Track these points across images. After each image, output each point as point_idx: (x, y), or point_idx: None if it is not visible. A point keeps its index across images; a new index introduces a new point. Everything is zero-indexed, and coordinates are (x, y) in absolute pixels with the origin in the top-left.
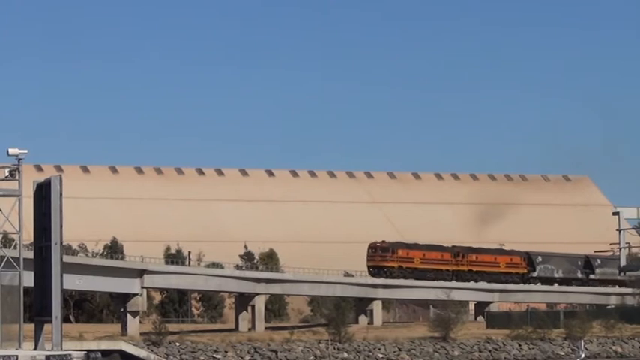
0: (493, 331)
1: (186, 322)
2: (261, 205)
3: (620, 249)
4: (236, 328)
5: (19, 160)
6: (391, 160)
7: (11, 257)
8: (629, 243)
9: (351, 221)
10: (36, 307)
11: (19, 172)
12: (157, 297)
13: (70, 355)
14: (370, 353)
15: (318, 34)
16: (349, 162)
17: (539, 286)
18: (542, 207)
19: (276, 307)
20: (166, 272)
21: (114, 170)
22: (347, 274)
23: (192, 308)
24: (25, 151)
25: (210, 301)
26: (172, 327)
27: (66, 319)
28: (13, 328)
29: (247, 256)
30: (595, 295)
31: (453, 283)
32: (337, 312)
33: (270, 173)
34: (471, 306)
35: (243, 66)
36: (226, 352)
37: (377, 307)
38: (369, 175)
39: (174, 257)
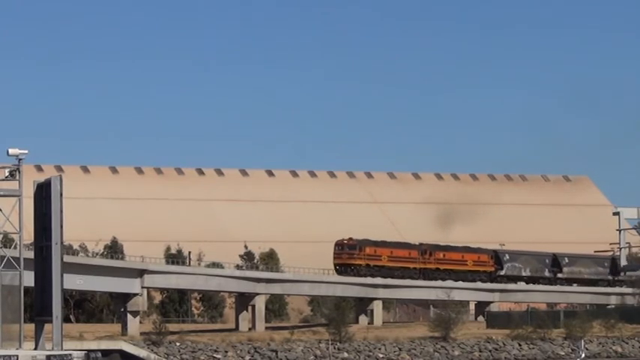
0: (493, 331)
1: (186, 322)
2: (261, 205)
3: (620, 249)
4: (236, 328)
5: (20, 160)
6: (391, 160)
7: (11, 257)
8: (629, 243)
9: (351, 221)
10: (36, 307)
11: (19, 172)
12: (158, 297)
13: (70, 355)
14: (370, 353)
15: (318, 34)
16: (349, 162)
17: (539, 286)
18: (542, 207)
19: (276, 307)
20: (166, 272)
21: (114, 170)
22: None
23: (193, 308)
24: (25, 151)
25: (211, 301)
26: (172, 327)
27: (66, 319)
28: (13, 328)
29: (247, 256)
30: (595, 295)
31: (453, 283)
32: (337, 312)
33: (270, 173)
34: (471, 306)
35: (243, 66)
36: (226, 352)
37: (377, 307)
38: (369, 175)
39: (175, 257)
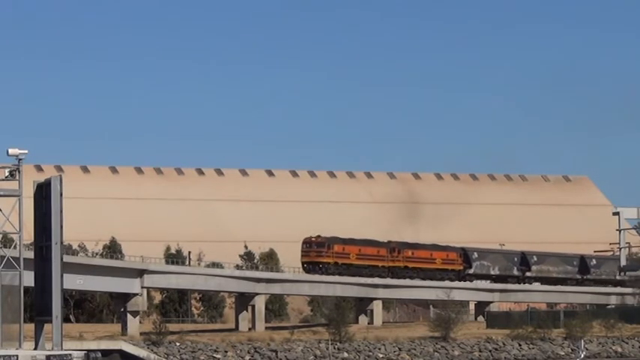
0: (493, 331)
1: (186, 322)
2: (261, 205)
3: (620, 249)
4: (236, 328)
5: (19, 160)
6: (391, 160)
7: (11, 257)
8: (629, 243)
9: (351, 221)
10: (36, 307)
11: (19, 172)
12: (158, 297)
13: (70, 355)
14: (370, 353)
15: (318, 34)
16: (349, 162)
17: (539, 286)
18: (542, 207)
19: (276, 307)
20: (166, 272)
21: (114, 170)
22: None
23: (193, 308)
24: (25, 151)
25: (211, 301)
26: (172, 327)
27: (66, 319)
28: (13, 328)
29: (247, 256)
30: (595, 295)
31: (454, 283)
32: (337, 312)
33: (270, 173)
34: (471, 306)
35: (243, 66)
36: (226, 352)
37: (377, 307)
38: (368, 175)
39: (175, 257)
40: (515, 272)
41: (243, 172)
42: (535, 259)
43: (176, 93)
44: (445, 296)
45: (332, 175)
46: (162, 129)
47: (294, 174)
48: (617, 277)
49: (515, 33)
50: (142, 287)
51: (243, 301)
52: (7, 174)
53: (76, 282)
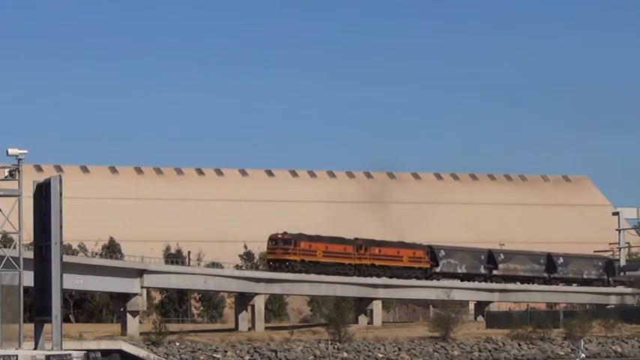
0: (493, 331)
1: (185, 322)
2: (261, 205)
3: (620, 249)
4: (236, 328)
5: (19, 160)
6: (390, 160)
7: (11, 257)
8: (628, 243)
9: (351, 221)
10: (36, 306)
11: (18, 172)
12: (157, 297)
13: (69, 355)
14: (370, 353)
15: (318, 34)
16: (349, 162)
17: (539, 286)
18: (541, 207)
19: (276, 307)
20: (166, 272)
21: (113, 170)
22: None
23: (192, 308)
24: (25, 151)
25: (210, 301)
26: (172, 327)
27: (66, 319)
28: (13, 328)
29: (247, 256)
30: (595, 295)
31: (453, 283)
32: (337, 312)
33: (270, 173)
34: (471, 306)
35: (243, 66)
36: (226, 351)
37: (377, 307)
38: (368, 175)
39: (174, 257)
40: (482, 270)
41: (243, 172)
42: (502, 257)
43: (176, 93)
44: (445, 296)
45: (332, 175)
46: (162, 129)
47: (294, 174)
48: (585, 276)
49: (515, 33)
50: (142, 287)
51: (243, 301)
52: (6, 174)
53: (76, 282)
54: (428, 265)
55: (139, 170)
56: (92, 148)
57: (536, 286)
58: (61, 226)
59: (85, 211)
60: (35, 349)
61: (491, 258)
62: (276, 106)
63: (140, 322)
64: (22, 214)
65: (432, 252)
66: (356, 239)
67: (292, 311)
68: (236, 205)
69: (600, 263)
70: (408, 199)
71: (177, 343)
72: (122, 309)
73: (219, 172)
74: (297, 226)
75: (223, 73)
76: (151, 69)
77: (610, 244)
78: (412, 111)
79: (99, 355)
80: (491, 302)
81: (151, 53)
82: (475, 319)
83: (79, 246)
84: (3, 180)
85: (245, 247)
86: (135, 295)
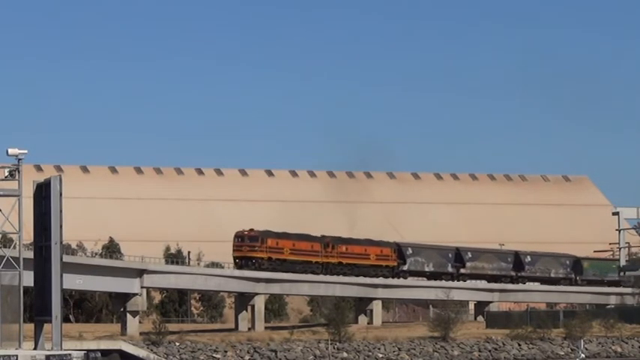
0: (493, 331)
1: (185, 322)
2: (261, 204)
3: (619, 249)
4: (236, 328)
5: (19, 160)
6: (391, 160)
7: (11, 257)
8: (628, 243)
9: (350, 221)
10: (36, 306)
11: (18, 172)
12: (157, 297)
13: (69, 355)
14: (370, 353)
15: (317, 34)
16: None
17: (539, 286)
18: (542, 207)
19: (275, 307)
20: (166, 272)
21: (113, 170)
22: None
23: (192, 308)
24: (25, 151)
25: (210, 301)
26: (172, 327)
27: (66, 319)
28: (13, 328)
29: None
30: (595, 295)
31: (453, 283)
32: (337, 312)
33: (270, 173)
34: (471, 306)
35: (243, 66)
36: (226, 351)
37: (376, 307)
38: (369, 175)
39: (174, 257)
40: (450, 269)
41: (243, 172)
42: (469, 255)
43: (176, 93)
44: (445, 296)
45: (331, 174)
46: (162, 129)
47: (294, 174)
48: (552, 275)
49: (515, 33)
50: (142, 287)
51: (243, 301)
52: (6, 174)
53: (76, 282)
54: (395, 264)
55: (138, 170)
56: (92, 148)
57: (536, 286)
58: (61, 226)
59: (84, 211)
60: (35, 349)
61: (458, 256)
62: (276, 106)
63: (140, 322)
64: (22, 214)
65: (399, 250)
66: (323, 236)
67: (292, 311)
68: (236, 205)
69: (567, 262)
70: (408, 200)
71: (177, 343)
72: (122, 309)
73: (218, 172)
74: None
75: (223, 73)
76: (151, 69)
77: (610, 244)
78: (412, 111)
79: (99, 355)
80: (491, 302)
81: (151, 53)
82: (475, 319)
83: (77, 245)
84: (3, 180)
85: None
86: (135, 295)
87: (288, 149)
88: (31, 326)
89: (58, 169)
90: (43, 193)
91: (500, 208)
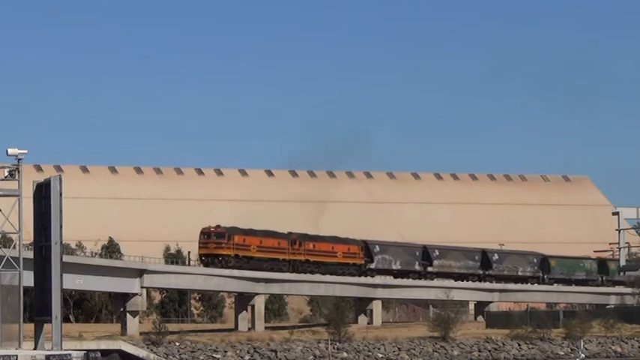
0: (493, 331)
1: (185, 322)
2: (261, 204)
3: (619, 249)
4: (236, 328)
5: (19, 160)
6: (391, 160)
7: (11, 257)
8: (628, 243)
9: (350, 221)
10: (36, 307)
11: (18, 172)
12: (157, 297)
13: (69, 355)
14: (370, 353)
15: (317, 34)
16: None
17: (539, 286)
18: (542, 207)
19: (275, 307)
20: (166, 272)
21: (113, 170)
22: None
23: (192, 308)
24: (25, 151)
25: (210, 301)
26: (172, 327)
27: (66, 319)
28: (13, 328)
29: None
30: (595, 295)
31: (454, 283)
32: (337, 312)
33: (270, 173)
34: (471, 306)
35: (243, 66)
36: (226, 351)
37: (376, 307)
38: (368, 175)
39: (174, 257)
40: (417, 267)
41: (243, 172)
42: (437, 253)
43: (176, 93)
44: (445, 296)
45: (331, 174)
46: (162, 129)
47: (294, 174)
48: (519, 273)
49: (514, 33)
50: (142, 287)
51: (243, 301)
52: (6, 174)
53: (76, 282)
54: (362, 261)
55: (138, 170)
56: (92, 148)
57: (536, 286)
58: (60, 226)
59: (84, 211)
60: (35, 349)
61: (426, 254)
62: (276, 106)
63: (140, 322)
64: (22, 214)
65: (366, 247)
66: (290, 233)
67: (292, 311)
68: (235, 205)
69: (535, 260)
70: (408, 200)
71: (177, 343)
72: (122, 309)
73: (218, 172)
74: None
75: (223, 73)
76: (150, 69)
77: (610, 244)
78: (412, 111)
79: (99, 355)
80: (491, 302)
81: (151, 53)
82: (475, 319)
83: (77, 245)
84: (3, 180)
85: None
86: (135, 295)
87: (288, 149)
88: (31, 326)
89: (58, 169)
90: (42, 193)
91: (500, 208)
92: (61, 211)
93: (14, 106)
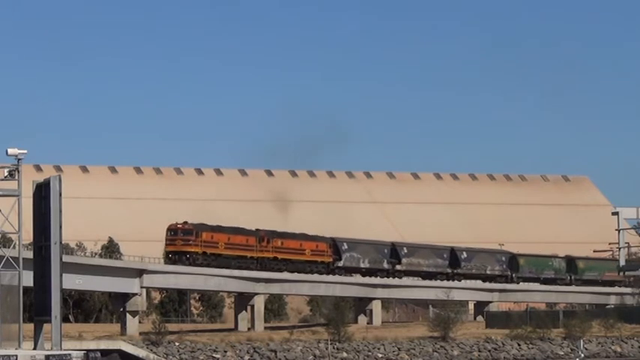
0: (492, 331)
1: (185, 321)
2: (261, 204)
3: (619, 249)
4: (235, 328)
5: (19, 159)
6: (391, 160)
7: (11, 257)
8: (628, 243)
9: (350, 221)
10: (35, 306)
11: (18, 171)
12: (157, 297)
13: (69, 354)
14: (369, 353)
15: (317, 34)
16: (349, 162)
17: (538, 286)
18: (542, 207)
19: (275, 306)
20: (166, 272)
21: (113, 170)
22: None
23: (192, 308)
24: (25, 151)
25: (210, 300)
26: (172, 327)
27: (65, 319)
28: (12, 328)
29: None
30: (595, 295)
31: (454, 283)
32: (336, 312)
33: (270, 173)
34: (471, 306)
35: (242, 66)
36: (225, 351)
37: (376, 306)
38: (368, 175)
39: None
40: (385, 265)
41: (243, 172)
42: (405, 251)
43: (176, 93)
44: (444, 296)
45: (331, 174)
46: (162, 129)
47: (294, 174)
48: (488, 271)
49: (514, 33)
50: (142, 287)
51: (243, 301)
52: (6, 174)
53: (76, 282)
54: (330, 259)
55: (138, 170)
56: (92, 148)
57: (536, 286)
58: (60, 226)
59: (84, 211)
60: (35, 349)
61: (394, 252)
62: (276, 106)
63: (140, 322)
64: (22, 214)
65: (334, 245)
66: (257, 230)
67: (292, 311)
68: (235, 205)
69: (504, 258)
70: (408, 200)
71: (177, 343)
72: (122, 309)
73: (218, 172)
74: (296, 225)
75: (223, 73)
76: (150, 69)
77: (610, 244)
78: (412, 111)
79: (98, 355)
80: (491, 302)
81: (151, 53)
82: (475, 319)
83: (76, 245)
84: (2, 180)
85: None
86: (134, 295)
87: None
88: (30, 326)
89: (58, 169)
90: (42, 193)
91: (500, 208)
92: (60, 211)
93: (14, 106)
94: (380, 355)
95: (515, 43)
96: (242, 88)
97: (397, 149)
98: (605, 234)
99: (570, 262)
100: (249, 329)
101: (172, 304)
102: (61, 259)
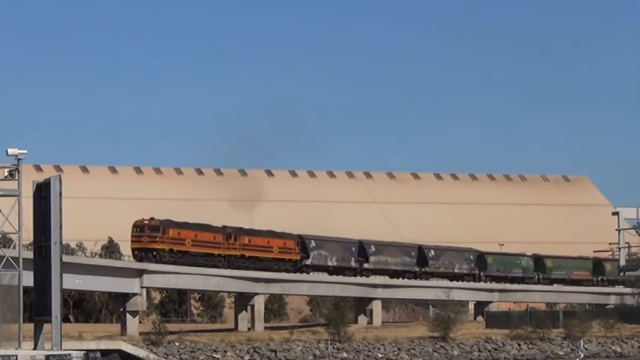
0: (492, 331)
1: (185, 322)
2: (261, 205)
3: (619, 249)
4: (235, 328)
5: (19, 160)
6: (391, 160)
7: (11, 257)
8: (628, 243)
9: (350, 221)
10: (35, 306)
11: (18, 171)
12: (157, 297)
13: (69, 355)
14: (370, 353)
15: (317, 34)
16: (349, 162)
17: (538, 286)
18: (542, 207)
19: (275, 306)
20: (166, 272)
21: (113, 170)
22: None
23: (192, 308)
24: (25, 151)
25: (210, 301)
26: (172, 327)
27: (65, 319)
28: (12, 328)
29: None
30: (595, 295)
31: (452, 283)
32: (336, 312)
33: (270, 173)
34: (471, 306)
35: (242, 66)
36: (225, 351)
37: (376, 307)
38: (368, 175)
39: None
40: (353, 263)
41: (243, 172)
42: (373, 249)
43: (176, 93)
44: (445, 296)
45: (331, 174)
46: (162, 129)
47: (294, 174)
48: (456, 270)
49: (514, 32)
50: (142, 287)
51: (243, 301)
52: (6, 174)
53: (76, 282)
54: (298, 257)
55: (138, 170)
56: (92, 148)
57: (536, 286)
58: (60, 226)
59: (84, 211)
60: (35, 349)
61: (362, 250)
62: (276, 106)
63: (140, 322)
64: (22, 214)
65: (302, 242)
66: (224, 227)
67: (292, 311)
68: (235, 205)
69: (472, 257)
70: (408, 200)
71: (177, 343)
72: (122, 309)
73: (218, 172)
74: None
75: (223, 73)
76: (150, 69)
77: (610, 244)
78: (412, 111)
79: (98, 355)
80: (491, 302)
81: (151, 53)
82: (475, 319)
83: (77, 245)
84: (2, 180)
85: None
86: (134, 295)
87: (287, 149)
88: (30, 326)
89: (58, 169)
90: (42, 193)
91: (500, 208)
92: (60, 211)
93: (14, 106)
94: (380, 355)
95: (516, 43)
96: (242, 89)
97: (397, 149)
98: (605, 234)
99: (538, 260)
100: (249, 329)
101: (172, 304)
102: (61, 259)
